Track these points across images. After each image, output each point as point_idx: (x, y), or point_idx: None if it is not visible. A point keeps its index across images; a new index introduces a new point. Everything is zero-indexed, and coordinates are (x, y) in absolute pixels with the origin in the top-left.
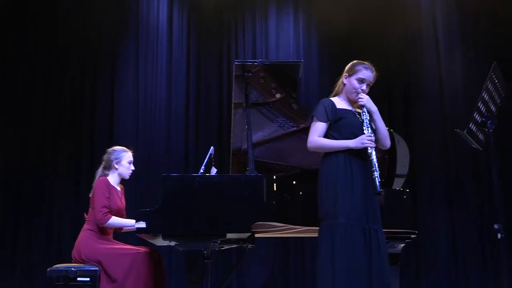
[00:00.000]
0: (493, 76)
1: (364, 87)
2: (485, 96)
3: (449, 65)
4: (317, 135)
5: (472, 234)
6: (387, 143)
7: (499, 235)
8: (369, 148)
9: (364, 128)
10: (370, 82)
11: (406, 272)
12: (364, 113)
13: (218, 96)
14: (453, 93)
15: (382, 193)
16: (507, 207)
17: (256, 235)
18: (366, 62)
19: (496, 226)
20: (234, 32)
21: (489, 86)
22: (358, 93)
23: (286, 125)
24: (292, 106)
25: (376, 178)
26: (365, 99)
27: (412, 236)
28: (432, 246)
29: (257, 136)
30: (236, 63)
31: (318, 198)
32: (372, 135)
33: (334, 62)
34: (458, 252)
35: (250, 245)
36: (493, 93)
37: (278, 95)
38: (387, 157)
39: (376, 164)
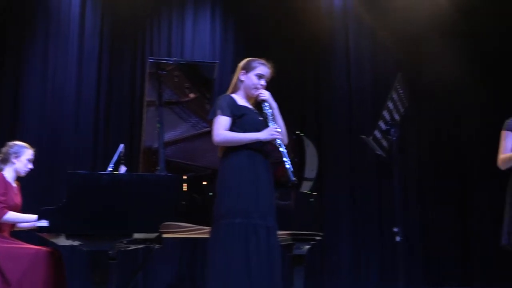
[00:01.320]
0: (398, 86)
1: (263, 82)
2: (390, 105)
3: (358, 73)
4: (223, 129)
5: (374, 237)
6: (286, 140)
7: (397, 238)
8: (277, 140)
9: (268, 122)
10: (268, 78)
11: (311, 273)
12: (266, 108)
13: (130, 93)
14: (361, 100)
15: (296, 182)
16: (406, 212)
17: (164, 236)
18: (261, 59)
19: (395, 229)
20: (149, 29)
21: (393, 96)
22: (258, 89)
23: (199, 125)
24: (206, 106)
25: (289, 168)
26: (266, 94)
27: (318, 238)
28: (336, 248)
29: (169, 135)
30: (150, 60)
31: (218, 196)
32: (278, 128)
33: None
34: (361, 254)
35: (158, 245)
36: (397, 103)
37: (192, 95)
38: (297, 160)
39: (287, 154)
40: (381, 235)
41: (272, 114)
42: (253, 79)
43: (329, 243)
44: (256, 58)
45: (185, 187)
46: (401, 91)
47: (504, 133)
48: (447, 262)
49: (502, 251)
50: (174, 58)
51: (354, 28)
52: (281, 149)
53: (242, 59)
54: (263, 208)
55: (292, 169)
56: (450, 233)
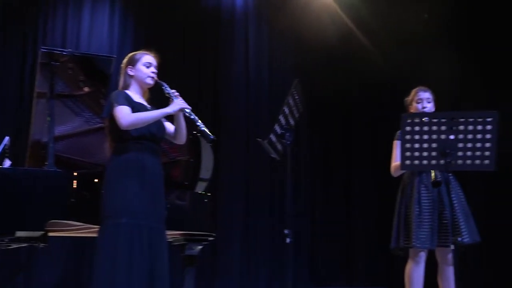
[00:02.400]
0: (294, 92)
1: (153, 69)
2: (285, 110)
3: (256, 77)
4: (129, 113)
5: (265, 238)
6: (184, 138)
7: (287, 240)
8: (186, 109)
9: (174, 98)
10: (155, 65)
11: (201, 273)
12: (166, 89)
13: (19, 83)
14: (257, 104)
15: (215, 139)
16: (297, 213)
17: (50, 234)
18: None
19: (285, 231)
20: (43, 17)
21: (290, 101)
22: (152, 77)
23: (92, 121)
24: (101, 101)
25: (204, 128)
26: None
27: (210, 238)
28: (228, 249)
29: (59, 130)
30: (42, 50)
31: (105, 195)
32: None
33: None
34: (250, 254)
35: (42, 244)
36: (293, 108)
37: (86, 89)
38: (193, 160)
39: (198, 119)
40: (272, 236)
41: (174, 94)
42: (143, 70)
43: (222, 243)
44: (136, 51)
45: (75, 184)
46: (297, 97)
47: (395, 143)
48: (333, 262)
49: (385, 252)
50: (69, 50)
51: (254, 31)
52: (192, 117)
53: None
54: (147, 207)
55: (207, 130)
56: (337, 235)
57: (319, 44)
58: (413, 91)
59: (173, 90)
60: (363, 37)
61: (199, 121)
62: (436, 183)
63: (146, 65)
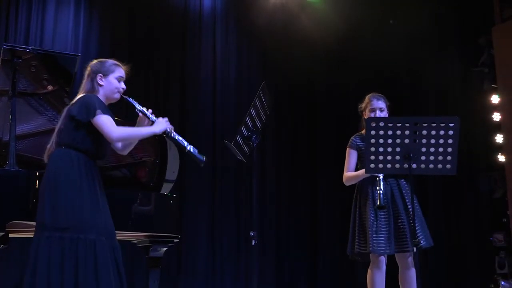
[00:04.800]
0: (261, 94)
1: (123, 85)
2: (252, 112)
3: (223, 77)
4: (115, 125)
5: (231, 240)
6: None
7: (253, 242)
8: (172, 132)
9: (149, 117)
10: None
11: (166, 275)
12: (138, 107)
13: None
14: (224, 105)
15: (205, 161)
16: (263, 215)
17: (11, 235)
18: (114, 60)
19: (251, 233)
20: (5, 13)
21: (257, 104)
22: (120, 92)
23: (56, 120)
24: (65, 100)
25: (193, 151)
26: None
27: (175, 240)
28: (194, 250)
29: (21, 128)
30: (4, 46)
31: (52, 203)
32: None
33: (115, 58)
34: (216, 255)
35: (3, 245)
36: (260, 110)
37: (50, 87)
38: (158, 161)
39: (185, 140)
40: (238, 238)
41: (150, 113)
42: (114, 83)
43: (187, 245)
44: (108, 60)
45: (37, 184)
46: (264, 99)
47: (348, 151)
48: (298, 265)
49: (346, 257)
50: (32, 47)
51: (221, 30)
52: (177, 137)
53: (106, 54)
54: (107, 224)
55: (196, 150)
56: (303, 238)
57: (289, 44)
58: (367, 98)
59: (144, 108)
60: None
61: (185, 141)
62: (380, 207)
63: (118, 78)
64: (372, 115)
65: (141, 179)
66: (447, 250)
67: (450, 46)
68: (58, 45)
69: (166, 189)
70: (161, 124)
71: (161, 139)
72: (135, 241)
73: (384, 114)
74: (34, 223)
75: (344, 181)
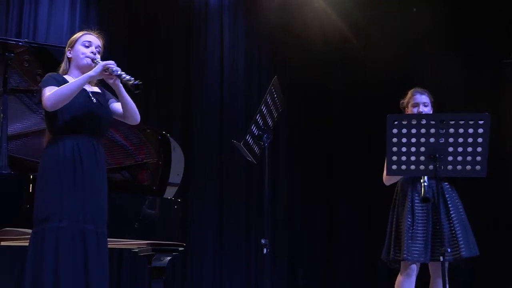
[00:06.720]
0: (273, 90)
1: (93, 49)
2: (263, 110)
3: (231, 73)
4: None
5: (240, 248)
6: (138, 117)
7: (264, 250)
8: (111, 66)
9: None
10: (98, 45)
11: (170, 286)
12: (113, 69)
13: None
14: (232, 102)
15: (141, 84)
16: (274, 221)
17: (2, 243)
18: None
19: (262, 241)
20: None
21: (268, 100)
22: (89, 57)
23: None
24: None
25: (125, 76)
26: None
27: (180, 248)
28: (200, 260)
29: (14, 128)
30: None
31: (38, 196)
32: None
33: (113, 52)
34: (224, 265)
35: None
36: (272, 107)
37: None
38: (161, 163)
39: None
40: (248, 246)
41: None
42: (80, 49)
43: (193, 254)
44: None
45: (31, 188)
46: (276, 95)
47: None
48: (314, 275)
49: (369, 265)
50: (25, 40)
51: (229, 23)
52: (119, 72)
53: (104, 47)
54: (85, 209)
55: (129, 76)
56: (318, 246)
57: (302, 40)
58: (409, 93)
59: (119, 69)
60: (349, 33)
61: (124, 73)
62: (424, 199)
63: (84, 44)
64: (415, 110)
65: (143, 183)
66: (478, 260)
67: (475, 38)
68: (53, 38)
69: (170, 193)
70: (98, 65)
71: (164, 140)
72: (136, 249)
73: (428, 109)
74: (27, 230)
75: (384, 181)
